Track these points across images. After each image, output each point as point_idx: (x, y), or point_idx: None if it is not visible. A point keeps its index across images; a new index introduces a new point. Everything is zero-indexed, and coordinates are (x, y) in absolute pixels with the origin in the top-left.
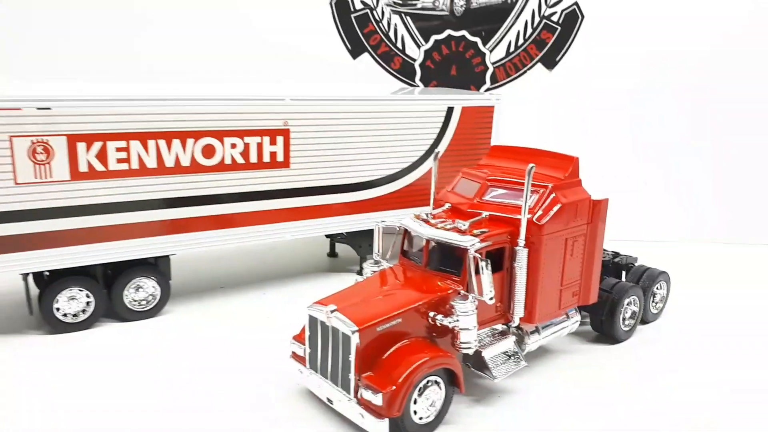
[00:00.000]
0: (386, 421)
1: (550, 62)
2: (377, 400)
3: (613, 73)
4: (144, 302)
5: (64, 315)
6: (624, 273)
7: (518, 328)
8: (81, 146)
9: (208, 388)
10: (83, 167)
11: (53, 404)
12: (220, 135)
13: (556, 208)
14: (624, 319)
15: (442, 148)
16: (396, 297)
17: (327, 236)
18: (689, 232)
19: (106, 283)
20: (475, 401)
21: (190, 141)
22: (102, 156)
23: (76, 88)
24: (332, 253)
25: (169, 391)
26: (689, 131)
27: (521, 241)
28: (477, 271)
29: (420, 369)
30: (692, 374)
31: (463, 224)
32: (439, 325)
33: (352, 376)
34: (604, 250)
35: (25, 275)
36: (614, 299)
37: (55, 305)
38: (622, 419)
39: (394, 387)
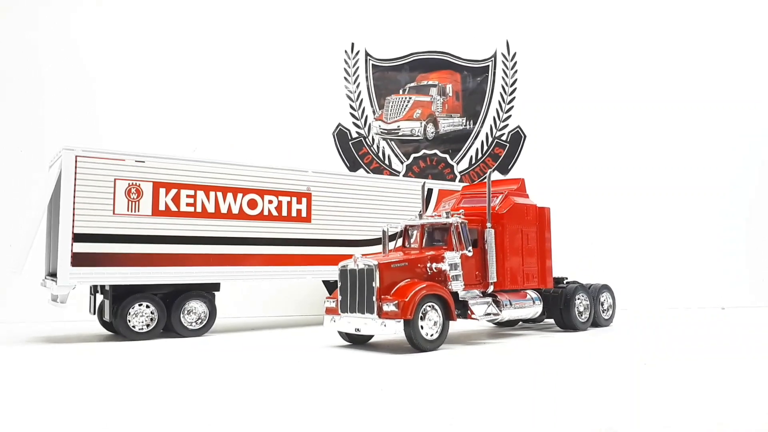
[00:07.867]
0: (401, 321)
1: (504, 169)
2: (394, 307)
3: (548, 174)
4: (194, 323)
5: (134, 326)
6: None
7: (494, 297)
8: (162, 191)
9: (261, 371)
10: (162, 207)
11: (138, 385)
12: (261, 192)
13: (510, 206)
14: (580, 313)
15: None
16: (402, 254)
17: (329, 290)
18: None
19: (167, 304)
20: (467, 344)
21: (239, 195)
22: (176, 199)
23: (162, 149)
24: None
25: (229, 371)
26: (601, 210)
27: (489, 223)
28: (459, 239)
29: (421, 291)
30: (614, 357)
31: (446, 212)
32: (435, 270)
33: (375, 299)
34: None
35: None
36: (568, 294)
37: (128, 318)
38: (559, 369)
39: (405, 299)
